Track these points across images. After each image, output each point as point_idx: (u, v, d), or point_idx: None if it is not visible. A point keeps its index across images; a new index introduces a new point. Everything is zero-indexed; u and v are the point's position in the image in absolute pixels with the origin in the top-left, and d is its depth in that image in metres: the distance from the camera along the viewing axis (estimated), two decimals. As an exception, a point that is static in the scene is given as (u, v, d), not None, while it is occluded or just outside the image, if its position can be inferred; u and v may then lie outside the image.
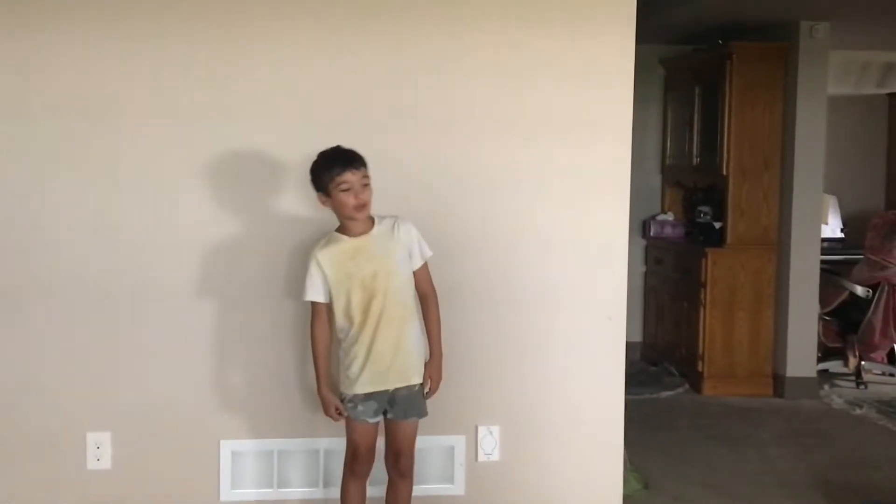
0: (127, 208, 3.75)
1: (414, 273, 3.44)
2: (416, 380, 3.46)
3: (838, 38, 6.65)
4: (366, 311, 3.35)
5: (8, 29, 3.65)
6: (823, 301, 6.87)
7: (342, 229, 3.40)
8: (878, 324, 6.98)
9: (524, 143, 3.88)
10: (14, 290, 3.73)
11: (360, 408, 3.42)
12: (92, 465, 3.79)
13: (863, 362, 7.05)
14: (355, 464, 3.50)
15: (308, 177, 3.39)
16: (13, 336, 3.74)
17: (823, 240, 6.91)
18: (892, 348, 7.21)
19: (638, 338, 7.67)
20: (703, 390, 6.72)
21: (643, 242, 7.69)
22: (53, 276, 3.73)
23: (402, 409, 3.45)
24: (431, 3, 3.81)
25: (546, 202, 3.90)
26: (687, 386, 6.87)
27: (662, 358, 7.37)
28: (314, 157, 3.37)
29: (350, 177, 3.26)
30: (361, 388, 3.40)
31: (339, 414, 3.46)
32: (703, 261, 6.72)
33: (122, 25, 3.69)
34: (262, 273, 3.81)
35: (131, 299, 3.76)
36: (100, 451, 3.78)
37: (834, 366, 7.14)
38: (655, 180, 7.78)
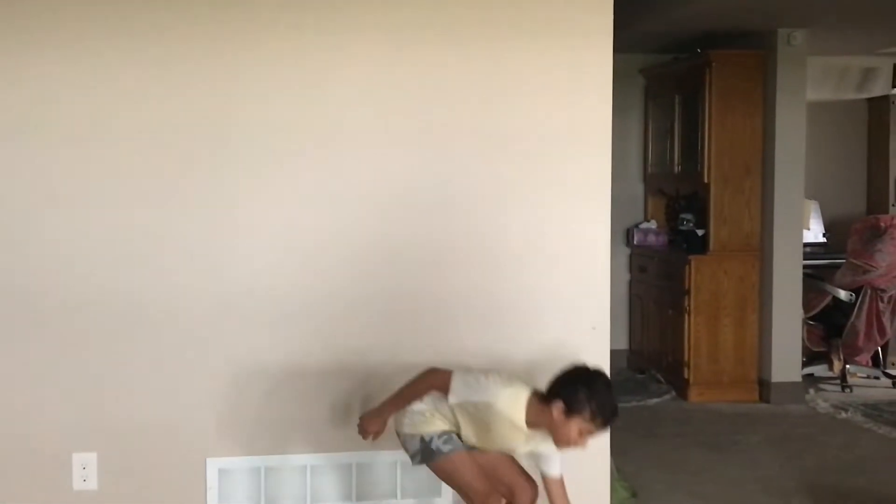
0: (110, 231, 3.74)
1: None
2: None
3: (816, 45, 6.71)
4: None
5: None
6: (807, 306, 6.91)
7: (531, 422, 3.25)
8: (861, 327, 7.02)
9: (505, 155, 3.89)
10: (2, 310, 3.71)
11: (455, 438, 3.35)
12: (78, 485, 3.77)
13: (847, 366, 7.09)
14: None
15: None
16: (0, 355, 3.73)
17: (806, 245, 6.94)
18: (877, 351, 7.26)
19: (624, 346, 7.69)
20: (690, 397, 6.75)
21: (627, 251, 7.72)
22: (38, 297, 3.72)
23: None
24: (410, 16, 3.82)
25: (528, 213, 3.92)
26: (673, 393, 6.89)
27: (649, 365, 7.39)
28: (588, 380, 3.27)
29: (598, 431, 3.24)
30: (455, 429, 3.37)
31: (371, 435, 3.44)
32: (687, 268, 6.75)
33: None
34: (245, 294, 3.81)
35: (116, 320, 3.75)
36: (86, 471, 3.77)
37: (819, 370, 7.18)
38: (638, 189, 7.81)
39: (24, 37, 3.65)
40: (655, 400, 6.77)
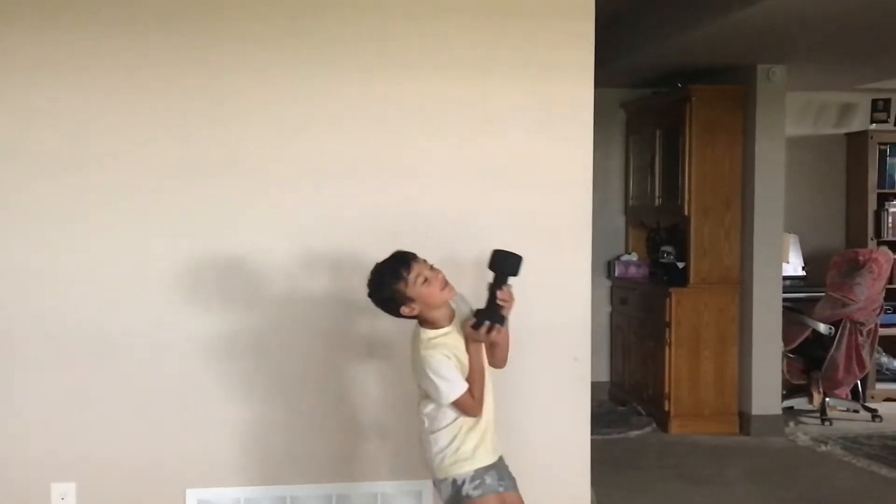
0: (93, 258, 3.74)
1: None
2: (501, 449, 3.34)
3: (795, 80, 6.78)
4: None
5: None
6: (787, 339, 6.94)
7: (432, 325, 3.20)
8: (841, 360, 7.06)
9: (484, 187, 3.92)
10: (-22, 341, 3.71)
11: (487, 480, 3.20)
12: (57, 516, 3.76)
13: (827, 399, 7.11)
14: None
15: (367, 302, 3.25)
16: (-24, 387, 3.72)
17: (785, 278, 6.99)
18: (856, 384, 7.29)
19: (605, 377, 7.71)
20: (671, 429, 6.76)
21: (608, 283, 7.75)
22: (18, 324, 3.72)
23: (508, 479, 3.30)
24: (390, 51, 3.86)
25: (509, 246, 3.93)
26: (654, 425, 6.90)
27: (630, 397, 7.40)
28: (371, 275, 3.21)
29: (418, 268, 3.14)
30: (486, 459, 3.22)
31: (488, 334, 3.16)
32: (668, 300, 6.78)
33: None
34: (229, 324, 3.81)
35: (97, 349, 3.75)
36: (64, 501, 3.75)
37: (799, 403, 7.20)
38: (619, 221, 7.86)
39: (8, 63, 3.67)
40: (636, 432, 6.77)
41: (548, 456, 3.99)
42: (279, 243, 3.82)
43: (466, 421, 3.19)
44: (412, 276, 3.11)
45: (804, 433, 6.75)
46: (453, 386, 3.13)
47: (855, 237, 8.01)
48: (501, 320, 3.16)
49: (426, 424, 3.24)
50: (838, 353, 7.05)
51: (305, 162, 3.83)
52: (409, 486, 3.89)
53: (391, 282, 3.13)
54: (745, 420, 6.72)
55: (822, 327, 7.07)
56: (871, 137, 7.85)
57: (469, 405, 3.17)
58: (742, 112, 6.69)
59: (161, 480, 3.80)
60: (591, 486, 4.10)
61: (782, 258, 6.96)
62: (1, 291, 3.71)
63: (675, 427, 6.76)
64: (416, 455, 3.76)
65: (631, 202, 7.79)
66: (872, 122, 8.00)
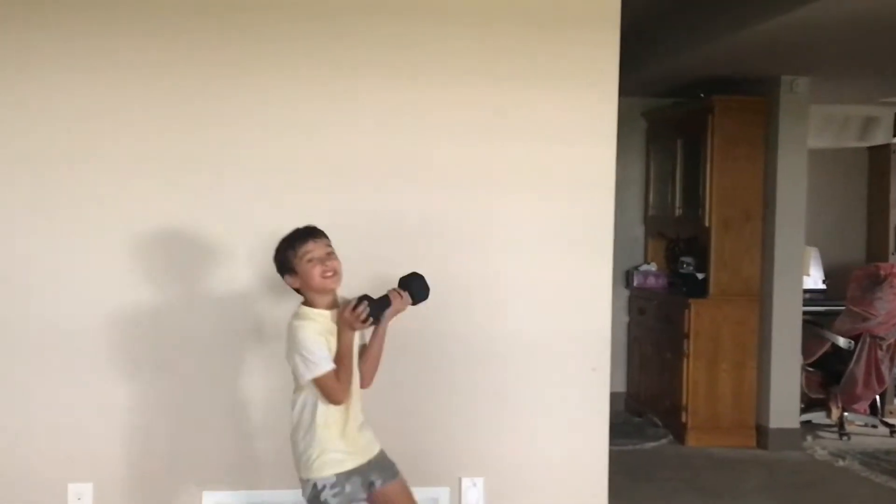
0: (112, 258, 3.75)
1: None
2: (378, 446, 3.30)
3: (818, 93, 6.75)
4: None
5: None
6: (806, 352, 6.89)
7: (311, 304, 3.22)
8: (860, 375, 7.00)
9: (507, 195, 3.92)
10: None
11: (347, 489, 3.16)
12: (73, 516, 3.76)
13: (845, 413, 7.06)
14: None
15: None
16: (-5, 385, 3.73)
17: (805, 291, 6.94)
18: (875, 399, 7.23)
19: (622, 388, 7.67)
20: (687, 441, 6.72)
21: (626, 293, 7.72)
22: (37, 325, 3.73)
23: (385, 471, 3.28)
24: (414, 57, 3.86)
25: (530, 254, 3.93)
26: (671, 437, 6.86)
27: (646, 408, 7.37)
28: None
29: (312, 246, 3.17)
30: (347, 464, 3.18)
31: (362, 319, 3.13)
32: (687, 311, 6.74)
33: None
34: (248, 330, 3.83)
35: (114, 350, 3.76)
36: (80, 502, 3.76)
37: (817, 417, 7.15)
38: (638, 231, 7.83)
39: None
40: (652, 444, 6.74)
41: (565, 466, 3.98)
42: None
43: (332, 423, 3.16)
44: (301, 250, 3.16)
45: (822, 447, 6.70)
46: (319, 362, 3.10)
47: (876, 251, 7.96)
48: (379, 311, 3.14)
49: (294, 421, 3.23)
50: (857, 368, 7.00)
51: (326, 165, 3.83)
52: (428, 493, 3.87)
53: (284, 248, 3.21)
54: (762, 433, 6.68)
55: (842, 341, 7.02)
56: (894, 151, 7.80)
57: (333, 388, 3.11)
58: (764, 123, 6.66)
59: (178, 482, 3.80)
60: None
61: (803, 271, 6.92)
62: (17, 294, 3.72)
63: (691, 439, 6.72)
64: (431, 461, 3.77)
65: (650, 212, 7.76)
66: (895, 135, 7.95)
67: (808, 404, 7.10)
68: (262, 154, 3.82)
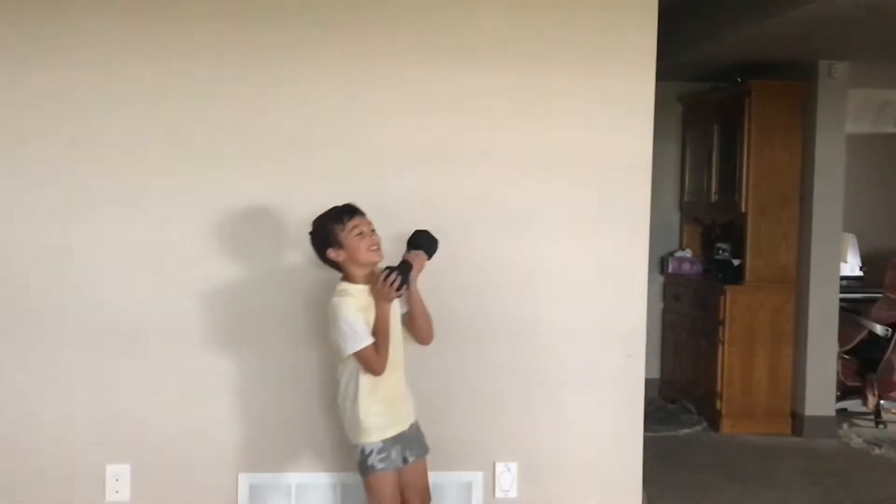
0: (150, 242, 3.78)
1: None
2: (416, 415, 3.48)
3: (857, 77, 6.66)
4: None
5: (35, 62, 3.73)
6: (842, 340, 6.83)
7: (351, 279, 3.35)
8: (897, 363, 6.95)
9: (544, 179, 3.91)
10: (38, 319, 3.77)
11: (393, 454, 3.35)
12: (111, 496, 3.81)
13: (882, 401, 6.99)
14: None
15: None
16: (35, 365, 3.78)
17: (842, 278, 6.88)
18: (912, 388, 7.17)
19: (656, 374, 7.64)
20: (721, 428, 6.68)
21: (661, 279, 7.68)
22: (77, 305, 3.78)
23: (419, 447, 3.46)
24: (448, 41, 3.85)
25: (566, 238, 3.92)
26: (705, 424, 6.83)
27: (680, 395, 7.34)
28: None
29: (359, 221, 3.33)
30: (391, 430, 3.35)
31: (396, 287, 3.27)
32: (722, 298, 6.70)
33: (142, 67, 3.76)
34: (284, 313, 3.85)
35: (154, 333, 3.79)
36: (118, 483, 3.80)
37: (853, 405, 7.08)
38: (673, 217, 7.78)
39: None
40: (686, 430, 6.72)
41: (599, 452, 3.98)
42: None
43: (375, 391, 3.30)
44: (350, 224, 3.29)
45: (858, 435, 6.65)
46: (358, 336, 3.24)
47: (914, 238, 7.89)
48: (405, 275, 3.26)
49: (340, 391, 3.37)
50: (894, 355, 6.94)
51: (364, 148, 3.84)
52: (461, 477, 3.89)
53: (330, 222, 3.32)
54: (797, 421, 6.63)
55: (879, 329, 6.96)
56: (933, 137, 7.72)
57: (373, 360, 3.26)
58: (802, 108, 6.60)
59: (214, 464, 3.83)
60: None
61: (840, 258, 6.85)
62: (58, 276, 3.76)
63: (726, 426, 6.68)
64: (465, 445, 3.78)
65: (686, 198, 7.71)
66: (935, 121, 7.86)
67: (844, 392, 7.03)
68: (309, 138, 3.85)
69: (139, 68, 3.76)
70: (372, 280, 3.30)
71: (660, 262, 7.62)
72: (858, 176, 7.68)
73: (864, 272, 7.78)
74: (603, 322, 3.95)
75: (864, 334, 7.04)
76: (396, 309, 3.36)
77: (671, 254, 7.65)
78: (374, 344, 3.26)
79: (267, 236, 3.83)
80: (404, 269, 3.27)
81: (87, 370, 3.78)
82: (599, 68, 3.89)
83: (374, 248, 3.32)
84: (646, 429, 4.10)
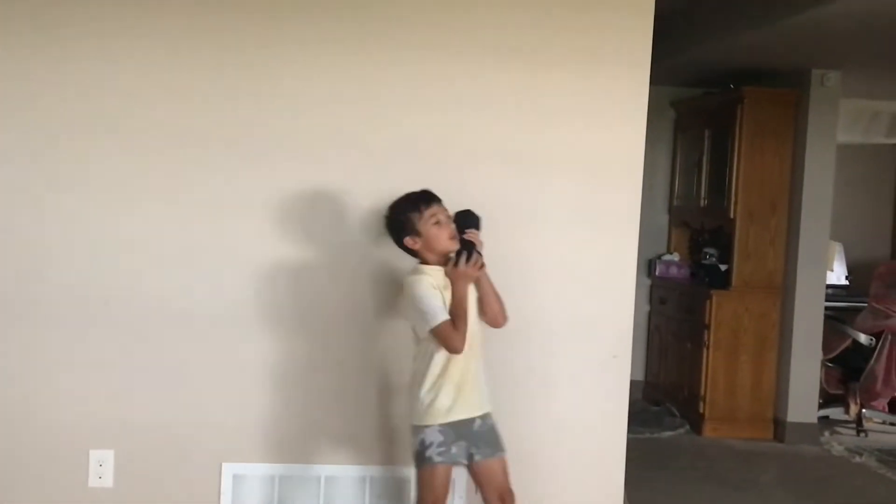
0: (132, 230, 3.78)
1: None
2: (489, 407, 3.45)
3: (849, 87, 6.70)
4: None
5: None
6: (826, 347, 6.87)
7: (425, 263, 3.40)
8: (880, 372, 6.98)
9: (535, 179, 3.92)
10: (22, 303, 3.75)
11: (453, 450, 3.35)
12: (94, 482, 3.80)
13: (864, 410, 7.03)
14: None
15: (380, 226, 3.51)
16: (19, 349, 3.76)
17: (828, 286, 6.91)
18: (894, 397, 7.20)
19: (640, 377, 7.67)
20: (704, 432, 6.72)
21: (648, 282, 7.70)
22: (62, 290, 3.76)
23: (489, 446, 3.42)
24: (448, 37, 3.86)
25: (555, 239, 3.93)
26: (688, 427, 6.86)
27: (664, 398, 7.37)
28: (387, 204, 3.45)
29: (437, 209, 3.36)
30: (454, 415, 3.33)
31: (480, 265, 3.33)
32: (708, 302, 6.73)
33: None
34: (267, 299, 3.84)
35: (138, 317, 3.79)
36: (102, 468, 3.80)
37: (835, 412, 7.12)
38: (662, 220, 7.81)
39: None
40: (669, 433, 6.74)
41: (583, 452, 4.00)
42: (327, 221, 3.84)
43: (446, 373, 3.31)
44: (428, 212, 3.33)
45: (839, 443, 6.68)
46: (436, 313, 3.27)
47: (901, 249, 7.93)
48: (471, 248, 3.32)
49: (413, 372, 3.39)
50: (878, 365, 6.97)
51: (362, 143, 3.84)
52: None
53: (408, 208, 3.36)
54: (780, 427, 6.67)
55: (863, 338, 7.00)
56: (923, 149, 7.75)
57: (451, 336, 3.27)
58: (793, 116, 6.63)
59: (198, 452, 3.83)
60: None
61: (827, 266, 6.89)
62: (43, 259, 3.76)
63: (708, 430, 6.72)
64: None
65: (675, 202, 7.74)
66: (925, 133, 7.89)
67: (827, 399, 7.07)
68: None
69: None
70: (445, 262, 3.33)
71: (647, 265, 7.65)
72: (847, 185, 7.71)
73: (849, 281, 7.82)
74: (590, 322, 3.97)
75: (848, 343, 7.08)
76: (471, 294, 3.37)
77: (659, 257, 7.67)
78: (451, 321, 3.27)
79: (269, 223, 3.83)
80: (471, 247, 3.31)
81: (71, 355, 3.77)
82: (594, 70, 3.90)
83: (453, 236, 3.34)
84: (629, 430, 4.11)
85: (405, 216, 3.36)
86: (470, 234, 3.36)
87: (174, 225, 3.79)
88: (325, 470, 3.87)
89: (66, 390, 3.79)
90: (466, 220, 3.39)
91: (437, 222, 3.34)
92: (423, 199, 3.37)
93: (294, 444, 3.88)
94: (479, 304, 3.43)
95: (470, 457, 3.38)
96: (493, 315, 3.46)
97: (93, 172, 3.75)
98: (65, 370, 3.78)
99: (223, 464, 3.84)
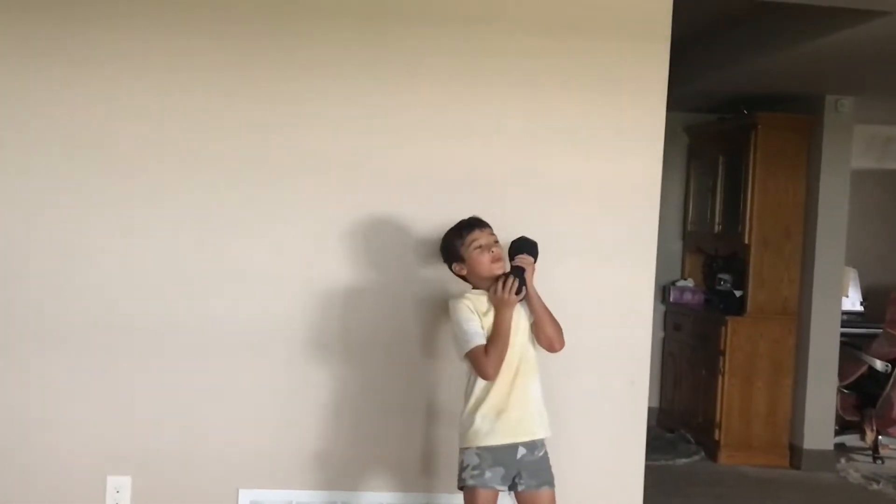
0: (148, 255, 3.79)
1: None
2: (541, 434, 3.40)
3: (863, 113, 6.71)
4: (504, 363, 3.33)
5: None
6: (842, 374, 6.84)
7: (476, 288, 3.43)
8: (896, 399, 6.95)
9: (552, 204, 3.91)
10: (40, 330, 3.75)
11: (487, 475, 3.30)
12: (110, 509, 3.80)
13: (880, 437, 6.99)
14: None
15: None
16: (38, 375, 3.76)
17: (843, 312, 6.90)
18: (910, 424, 7.17)
19: (655, 403, 7.64)
20: (720, 459, 6.69)
21: (662, 308, 7.69)
22: (80, 317, 3.76)
23: (535, 477, 3.37)
24: (466, 64, 3.87)
25: (572, 265, 3.92)
26: (703, 454, 6.83)
27: (679, 425, 7.34)
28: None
29: (479, 234, 3.39)
30: (493, 439, 3.31)
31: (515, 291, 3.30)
32: (723, 329, 6.72)
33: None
34: (283, 324, 3.84)
35: (156, 343, 3.79)
36: (119, 495, 3.79)
37: (851, 439, 7.09)
38: (676, 246, 7.81)
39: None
40: (684, 460, 6.72)
41: (601, 479, 3.97)
42: (343, 246, 3.85)
43: (489, 396, 3.30)
44: (470, 238, 3.38)
45: (855, 470, 6.64)
46: (470, 338, 3.30)
47: (916, 274, 7.91)
48: (522, 279, 3.31)
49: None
50: (894, 392, 6.93)
51: (377, 167, 3.85)
52: (456, 500, 3.87)
53: (453, 235, 3.44)
54: (795, 454, 6.63)
55: (879, 364, 6.96)
56: (937, 175, 7.75)
57: (482, 362, 3.28)
58: (807, 142, 6.64)
59: (215, 479, 3.82)
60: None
61: (841, 292, 6.87)
62: (59, 284, 3.76)
63: (724, 457, 6.69)
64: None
65: (689, 227, 7.74)
66: (938, 158, 7.89)
67: (843, 426, 7.03)
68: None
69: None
70: (492, 286, 3.34)
71: (661, 291, 7.64)
72: (861, 211, 7.71)
73: (864, 307, 7.80)
74: (607, 349, 3.95)
75: (863, 369, 7.05)
76: (521, 319, 3.37)
77: (673, 283, 7.67)
78: (486, 347, 3.28)
79: (286, 245, 3.85)
80: (519, 273, 3.32)
81: (90, 381, 3.76)
82: (611, 96, 3.91)
83: (497, 260, 3.37)
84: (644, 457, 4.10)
85: (451, 243, 3.43)
86: (520, 260, 3.36)
87: (185, 249, 3.80)
88: (344, 496, 3.85)
89: (84, 416, 3.78)
90: (520, 247, 3.41)
91: (479, 247, 3.37)
92: (466, 226, 3.42)
93: (312, 469, 3.86)
94: (534, 328, 3.42)
95: (514, 485, 3.35)
96: (548, 340, 3.42)
97: (129, 195, 3.77)
98: (83, 396, 3.78)
99: (240, 490, 3.83)
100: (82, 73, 3.74)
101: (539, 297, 3.41)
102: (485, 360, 3.28)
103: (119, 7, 3.75)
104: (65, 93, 3.73)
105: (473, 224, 3.43)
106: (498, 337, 3.29)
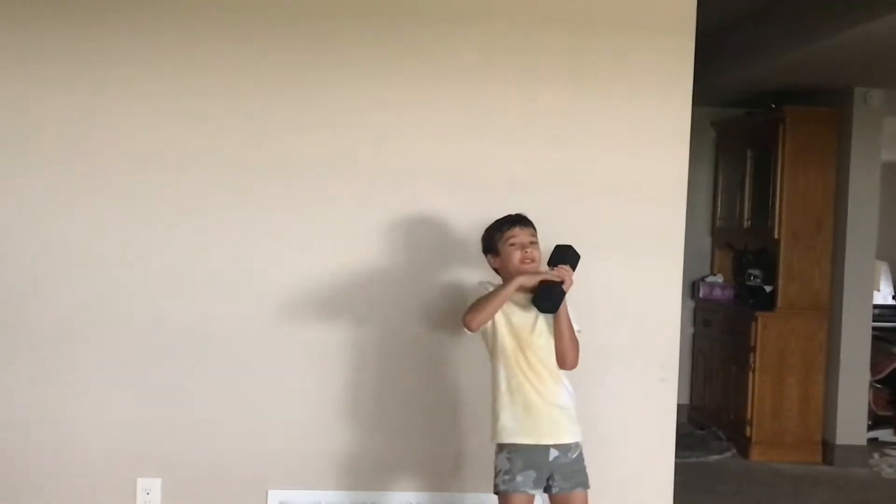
0: (189, 258, 3.82)
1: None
2: (569, 438, 3.36)
3: (892, 105, 6.63)
4: (523, 361, 3.33)
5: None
6: (874, 368, 6.78)
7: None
8: (929, 393, 6.89)
9: (579, 202, 3.91)
10: (72, 333, 3.80)
11: (518, 479, 3.29)
12: (141, 511, 3.82)
13: (913, 431, 6.94)
14: None
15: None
16: (70, 378, 3.80)
17: (875, 306, 6.82)
18: (945, 418, 7.10)
19: (685, 400, 7.60)
20: (751, 455, 6.63)
21: (692, 304, 7.65)
22: (110, 318, 3.81)
23: (569, 479, 3.35)
24: (491, 61, 3.88)
25: (600, 262, 3.90)
26: (734, 451, 6.78)
27: (710, 421, 7.30)
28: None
29: (517, 231, 3.39)
30: (520, 438, 3.30)
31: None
32: (753, 324, 6.67)
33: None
34: (315, 324, 3.86)
35: (186, 347, 3.81)
36: (149, 496, 3.81)
37: (884, 434, 7.03)
38: (705, 242, 7.76)
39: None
40: (716, 457, 6.67)
41: (631, 477, 3.97)
42: (373, 248, 3.87)
43: (512, 391, 3.30)
44: (508, 233, 3.38)
45: (889, 465, 6.57)
46: (474, 296, 3.32)
47: (948, 267, 7.82)
48: (560, 297, 3.28)
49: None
50: (926, 386, 6.88)
51: (400, 167, 3.87)
52: (481, 499, 3.86)
53: (493, 228, 3.45)
54: (828, 449, 6.57)
55: (912, 358, 6.90)
56: (968, 166, 7.65)
57: (470, 308, 3.27)
58: (837, 135, 6.57)
59: (244, 480, 3.84)
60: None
61: (873, 285, 6.80)
62: (93, 287, 3.79)
63: (755, 453, 6.63)
64: (491, 469, 3.74)
65: (718, 223, 7.69)
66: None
67: (876, 421, 6.97)
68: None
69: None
70: (524, 290, 3.31)
71: (691, 287, 7.59)
72: (892, 204, 7.63)
73: (896, 300, 7.73)
74: (637, 346, 3.94)
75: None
76: (540, 320, 3.34)
77: (702, 279, 7.62)
78: (480, 300, 3.27)
79: (319, 251, 3.85)
80: (557, 291, 3.26)
81: (120, 383, 3.81)
82: (636, 91, 3.90)
83: (528, 261, 3.35)
84: (675, 454, 4.08)
85: (491, 235, 3.45)
86: (559, 271, 3.29)
87: (229, 254, 3.83)
88: (372, 497, 3.85)
89: (114, 419, 3.82)
90: (564, 256, 3.35)
91: (514, 244, 3.37)
92: (508, 221, 3.43)
93: (341, 470, 3.87)
94: (554, 340, 3.37)
95: (548, 487, 3.34)
96: (561, 356, 3.37)
97: (172, 198, 3.83)
98: (114, 399, 3.81)
99: (269, 490, 3.84)
100: (98, 77, 3.80)
101: (567, 314, 3.35)
102: (471, 308, 3.27)
103: (134, 10, 3.79)
104: (81, 97, 3.79)
105: (515, 220, 3.43)
106: (495, 297, 3.27)
